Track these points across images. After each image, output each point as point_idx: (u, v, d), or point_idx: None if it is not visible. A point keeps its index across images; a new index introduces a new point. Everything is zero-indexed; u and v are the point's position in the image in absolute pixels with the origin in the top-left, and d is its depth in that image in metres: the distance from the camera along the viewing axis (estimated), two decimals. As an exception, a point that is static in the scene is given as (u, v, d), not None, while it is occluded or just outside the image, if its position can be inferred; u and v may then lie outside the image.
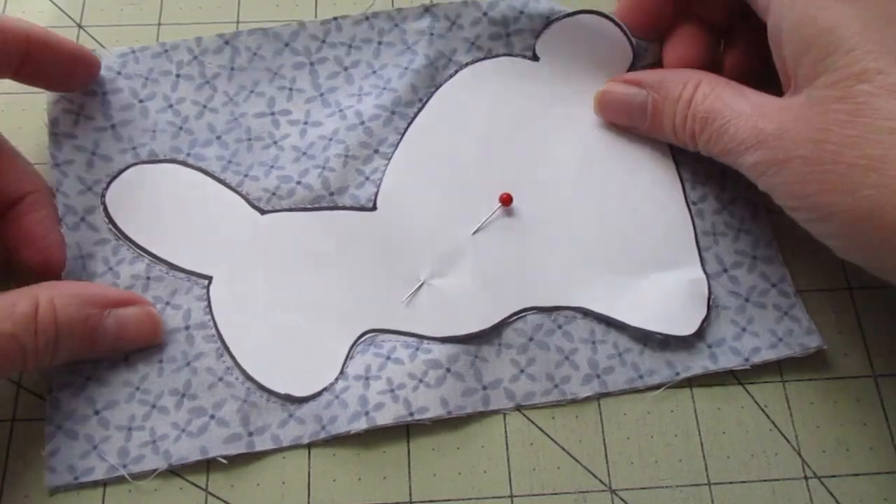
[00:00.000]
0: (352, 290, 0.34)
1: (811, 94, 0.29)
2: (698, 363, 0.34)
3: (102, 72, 0.37)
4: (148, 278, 0.34)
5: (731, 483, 0.32)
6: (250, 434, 0.32)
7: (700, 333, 0.34)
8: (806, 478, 0.32)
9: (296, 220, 0.35)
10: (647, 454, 0.33)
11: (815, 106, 0.29)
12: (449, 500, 0.32)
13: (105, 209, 0.35)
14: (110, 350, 0.32)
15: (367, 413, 0.32)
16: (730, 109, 0.32)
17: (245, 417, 0.32)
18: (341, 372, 0.33)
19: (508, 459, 0.32)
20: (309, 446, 0.32)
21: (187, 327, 0.33)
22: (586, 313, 0.34)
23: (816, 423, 0.33)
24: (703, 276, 0.35)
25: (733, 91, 0.33)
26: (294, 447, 0.32)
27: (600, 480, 0.32)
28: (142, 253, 0.34)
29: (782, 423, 0.33)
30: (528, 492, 0.32)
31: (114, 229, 0.35)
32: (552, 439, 0.33)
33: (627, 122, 0.37)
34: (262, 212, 0.36)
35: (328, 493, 0.32)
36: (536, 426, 0.33)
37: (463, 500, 0.32)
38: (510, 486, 0.32)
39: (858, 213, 0.28)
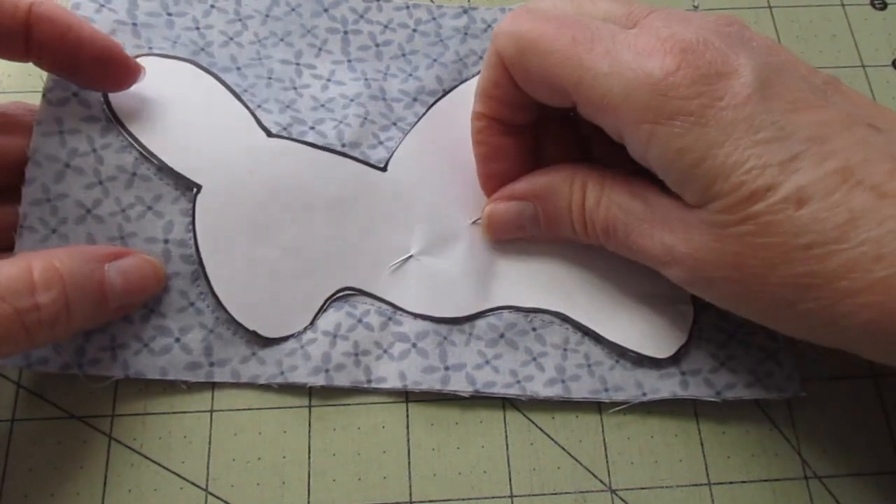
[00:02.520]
0: (341, 244, 0.34)
1: (709, 217, 0.27)
2: (668, 388, 0.33)
3: None
4: (134, 174, 0.33)
5: (731, 483, 0.32)
6: (211, 364, 0.32)
7: (676, 359, 0.34)
8: (806, 478, 0.32)
9: (302, 154, 0.34)
10: (647, 454, 0.33)
11: (717, 228, 0.27)
12: (449, 500, 0.32)
13: None
14: (119, 306, 0.31)
15: (326, 371, 0.32)
16: (629, 217, 0.30)
17: (209, 348, 0.32)
18: (311, 323, 0.33)
19: (508, 459, 0.32)
20: (309, 447, 0.32)
21: (166, 241, 0.33)
22: (565, 319, 0.34)
23: (816, 423, 0.33)
24: (691, 307, 0.34)
25: (624, 192, 0.30)
26: (294, 449, 0.32)
27: (600, 480, 0.32)
28: (132, 143, 0.33)
29: (782, 423, 0.33)
30: (528, 492, 0.32)
31: (107, 109, 0.33)
32: (552, 439, 0.33)
33: (526, 237, 0.34)
34: (269, 134, 0.34)
35: (328, 493, 0.32)
36: (536, 426, 0.33)
37: (463, 500, 0.32)
38: (510, 486, 0.32)
39: (802, 324, 0.27)
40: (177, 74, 0.35)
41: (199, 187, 0.33)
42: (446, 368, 0.33)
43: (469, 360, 0.33)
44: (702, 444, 0.33)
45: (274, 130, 0.34)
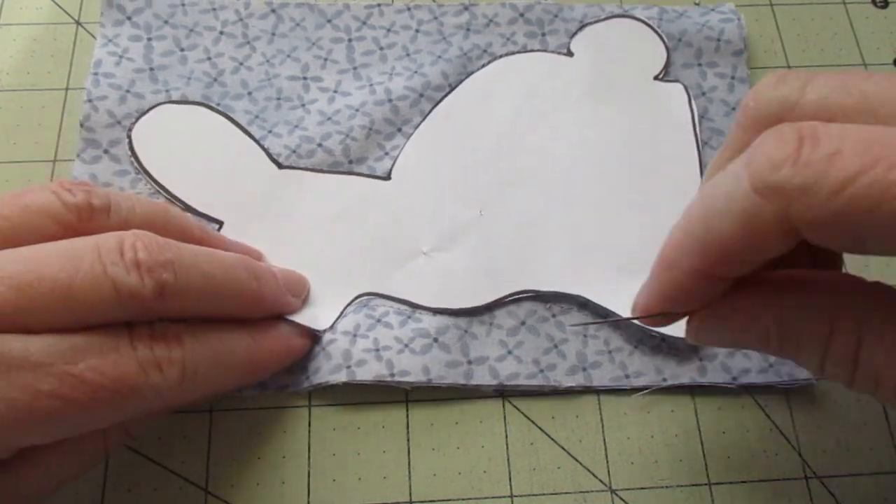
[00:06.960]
0: (354, 253, 0.35)
1: None
2: (686, 373, 0.33)
3: (150, 18, 0.39)
4: None
5: (731, 483, 0.32)
6: None
7: (693, 345, 0.34)
8: (806, 478, 0.33)
9: (311, 180, 0.36)
10: (647, 454, 0.33)
11: None
12: (449, 500, 0.32)
13: (130, 142, 0.36)
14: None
15: (348, 367, 0.32)
16: None
17: None
18: (331, 327, 0.34)
19: (508, 459, 0.32)
20: (309, 447, 0.32)
21: None
22: (584, 304, 0.35)
23: (816, 423, 0.33)
24: None
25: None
26: (294, 449, 0.32)
27: (600, 480, 0.32)
28: (159, 190, 0.36)
29: (782, 423, 0.33)
30: (528, 492, 0.32)
31: (135, 163, 0.36)
32: (552, 439, 0.33)
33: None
34: (280, 166, 0.37)
35: (328, 493, 0.32)
36: (536, 426, 0.33)
37: (463, 500, 0.32)
38: (510, 486, 0.32)
39: None
40: (191, 118, 0.37)
41: (220, 223, 0.35)
42: (469, 363, 0.33)
43: (491, 352, 0.34)
44: (702, 444, 0.33)
45: (284, 154, 0.37)
